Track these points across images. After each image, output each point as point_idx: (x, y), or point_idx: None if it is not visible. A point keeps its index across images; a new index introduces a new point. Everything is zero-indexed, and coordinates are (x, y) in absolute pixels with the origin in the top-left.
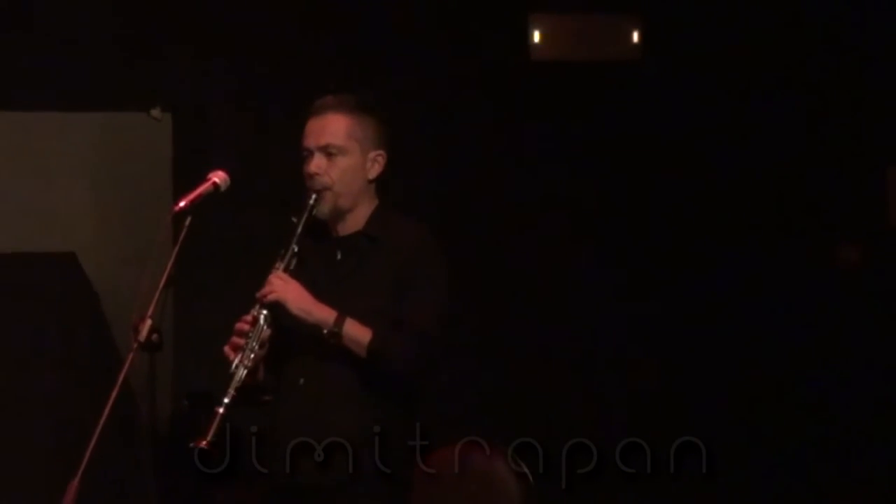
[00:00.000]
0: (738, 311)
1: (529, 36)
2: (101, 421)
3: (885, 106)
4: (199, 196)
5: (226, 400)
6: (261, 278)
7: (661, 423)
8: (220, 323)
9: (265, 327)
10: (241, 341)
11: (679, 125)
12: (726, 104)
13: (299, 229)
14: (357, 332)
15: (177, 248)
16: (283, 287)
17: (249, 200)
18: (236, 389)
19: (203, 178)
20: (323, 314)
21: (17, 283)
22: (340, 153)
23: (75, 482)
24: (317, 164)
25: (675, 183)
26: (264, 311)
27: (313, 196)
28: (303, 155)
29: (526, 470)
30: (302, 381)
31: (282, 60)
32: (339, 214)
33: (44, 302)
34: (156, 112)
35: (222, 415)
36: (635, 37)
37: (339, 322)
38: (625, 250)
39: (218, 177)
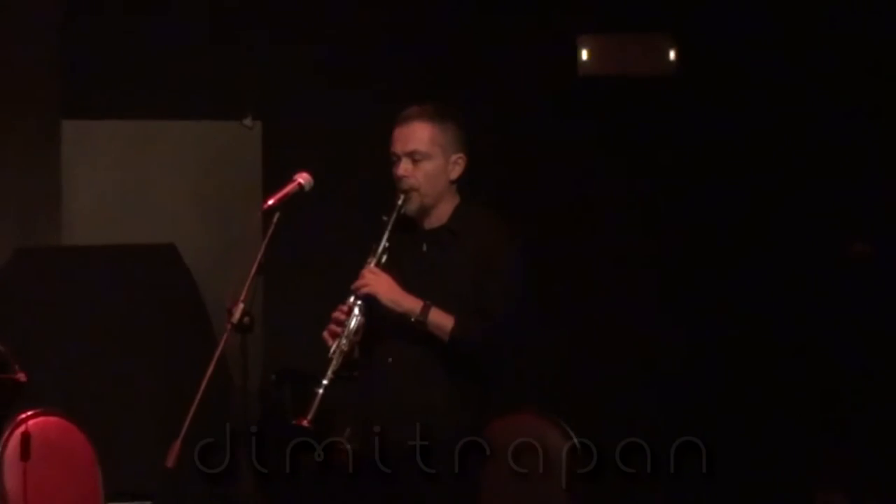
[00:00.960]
0: (743, 310)
1: (578, 54)
2: (199, 392)
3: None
4: (286, 195)
5: (325, 382)
6: (341, 268)
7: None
8: (305, 306)
9: (359, 316)
10: (338, 329)
11: (711, 134)
12: (754, 114)
13: (389, 226)
14: (440, 320)
15: (266, 241)
16: (375, 280)
17: (330, 199)
18: (333, 372)
19: (289, 179)
20: (410, 304)
21: (124, 271)
22: (425, 158)
23: (178, 443)
24: (404, 167)
25: (703, 186)
26: (359, 302)
27: (402, 196)
28: (391, 160)
29: (575, 439)
30: (390, 360)
31: (361, 74)
32: (424, 212)
33: (148, 288)
34: (248, 121)
35: (322, 395)
36: (671, 55)
37: (425, 311)
38: (635, 251)
39: (302, 178)
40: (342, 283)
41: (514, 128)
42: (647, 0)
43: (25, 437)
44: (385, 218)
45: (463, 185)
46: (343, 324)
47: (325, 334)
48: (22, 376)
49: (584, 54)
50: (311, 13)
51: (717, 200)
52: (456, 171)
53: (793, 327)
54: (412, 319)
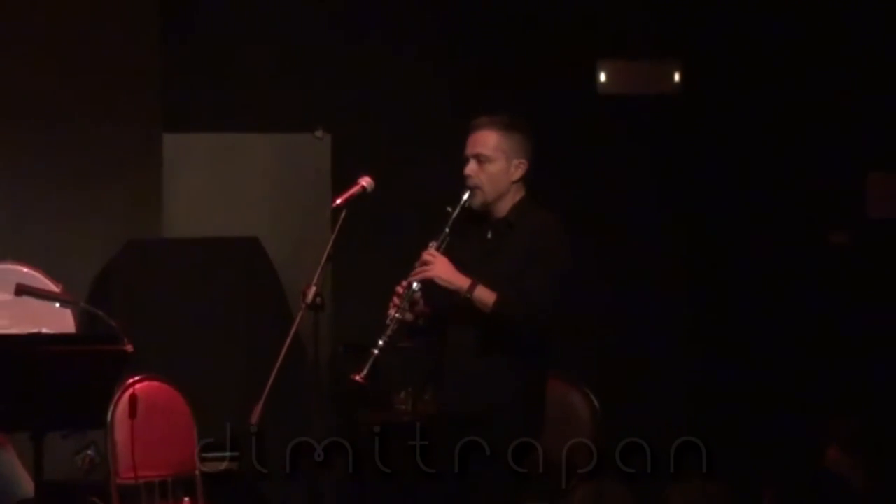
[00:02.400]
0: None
1: (597, 76)
2: (279, 361)
3: (867, 129)
4: (351, 195)
5: (380, 343)
6: (398, 256)
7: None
8: (367, 289)
9: (417, 291)
10: (397, 301)
11: (709, 143)
12: (747, 126)
13: (454, 216)
14: (483, 296)
15: (334, 234)
16: (431, 262)
17: (388, 199)
18: (388, 337)
19: (354, 182)
20: (459, 282)
21: (216, 259)
22: (488, 161)
23: (259, 405)
24: (471, 167)
25: (703, 189)
26: (415, 280)
27: (467, 192)
28: (464, 160)
29: (594, 398)
30: (449, 328)
31: (415, 93)
32: (487, 206)
33: (236, 274)
34: (319, 133)
35: (376, 355)
36: (676, 77)
37: (471, 288)
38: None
39: (365, 181)
40: (399, 269)
41: (542, 138)
42: (656, 31)
43: (133, 399)
44: (449, 209)
45: (530, 183)
46: (402, 297)
47: (390, 304)
48: (129, 347)
49: (603, 76)
50: (371, 47)
51: (715, 203)
52: (517, 174)
53: (787, 314)
54: (461, 296)
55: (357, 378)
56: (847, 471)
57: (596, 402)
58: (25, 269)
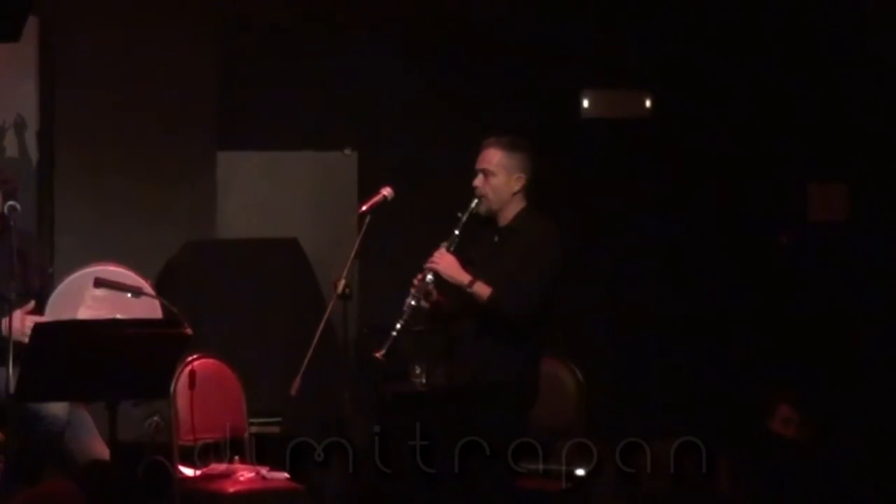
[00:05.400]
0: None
1: (581, 102)
2: (314, 341)
3: (807, 148)
4: (374, 203)
5: (398, 325)
6: (413, 254)
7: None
8: (387, 282)
9: (429, 283)
10: (414, 291)
11: (675, 158)
12: (707, 144)
13: (463, 220)
14: (480, 291)
15: (360, 236)
16: (440, 259)
17: (404, 206)
18: (404, 321)
19: (376, 192)
20: (461, 278)
21: (261, 257)
22: (491, 175)
23: (298, 378)
24: (478, 180)
25: (670, 195)
26: (429, 274)
27: (475, 200)
28: (474, 173)
29: (579, 374)
30: (457, 316)
31: (427, 119)
32: (492, 212)
33: (278, 269)
34: (347, 151)
35: (394, 336)
36: (648, 103)
37: (471, 284)
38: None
39: (386, 191)
40: (414, 265)
41: (536, 154)
42: (630, 65)
43: (192, 373)
44: (459, 214)
45: (532, 194)
46: (417, 287)
47: (408, 293)
48: (189, 331)
49: (586, 103)
50: (389, 82)
51: (681, 207)
52: (517, 187)
53: (742, 302)
54: (463, 289)
55: (377, 355)
56: (790, 432)
57: (581, 376)
58: (114, 268)
